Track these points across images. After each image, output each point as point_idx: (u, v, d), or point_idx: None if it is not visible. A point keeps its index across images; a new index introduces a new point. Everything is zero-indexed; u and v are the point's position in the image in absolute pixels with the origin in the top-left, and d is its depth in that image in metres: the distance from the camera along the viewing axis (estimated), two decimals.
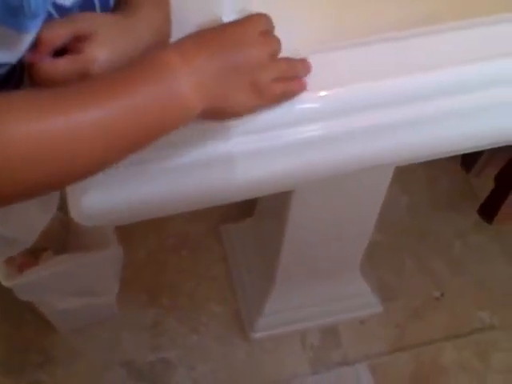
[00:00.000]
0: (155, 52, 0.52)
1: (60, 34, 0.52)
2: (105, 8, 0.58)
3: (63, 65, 0.52)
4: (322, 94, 0.61)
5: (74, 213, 0.54)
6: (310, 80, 0.60)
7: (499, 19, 0.66)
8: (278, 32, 0.58)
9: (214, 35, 0.55)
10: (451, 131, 0.66)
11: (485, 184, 1.47)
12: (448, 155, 0.72)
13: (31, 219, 0.80)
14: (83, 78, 0.52)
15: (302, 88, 0.60)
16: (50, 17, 0.53)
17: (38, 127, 0.45)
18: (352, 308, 1.37)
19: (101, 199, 0.54)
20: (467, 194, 1.55)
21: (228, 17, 0.59)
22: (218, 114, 0.55)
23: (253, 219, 1.43)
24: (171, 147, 0.58)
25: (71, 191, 0.54)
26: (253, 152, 0.61)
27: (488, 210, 1.29)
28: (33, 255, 1.22)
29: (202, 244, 1.45)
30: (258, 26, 0.57)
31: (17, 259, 1.17)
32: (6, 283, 1.12)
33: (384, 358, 1.33)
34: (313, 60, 0.60)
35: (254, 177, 0.62)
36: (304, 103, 0.60)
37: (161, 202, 0.60)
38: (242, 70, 0.54)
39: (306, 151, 0.63)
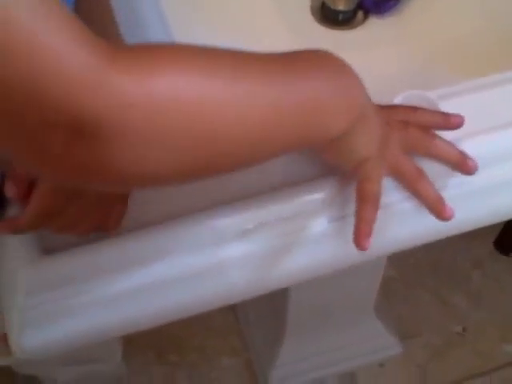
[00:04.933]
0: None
1: None
2: None
3: (45, 186, 0.46)
4: None
5: (17, 353, 0.49)
6: None
7: None
8: None
9: None
10: None
11: None
12: None
13: None
14: None
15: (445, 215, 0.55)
16: None
17: (211, 87, 0.37)
18: (369, 351, 1.31)
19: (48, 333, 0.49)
20: None
21: None
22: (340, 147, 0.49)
23: None
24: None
25: (11, 330, 0.49)
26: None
27: (504, 243, 1.22)
28: None
29: None
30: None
31: None
32: (3, 362, 1.08)
33: None
34: None
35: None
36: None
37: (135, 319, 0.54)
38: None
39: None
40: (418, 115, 0.55)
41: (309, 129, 0.44)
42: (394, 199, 0.56)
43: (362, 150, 0.50)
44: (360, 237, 0.51)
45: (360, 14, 0.79)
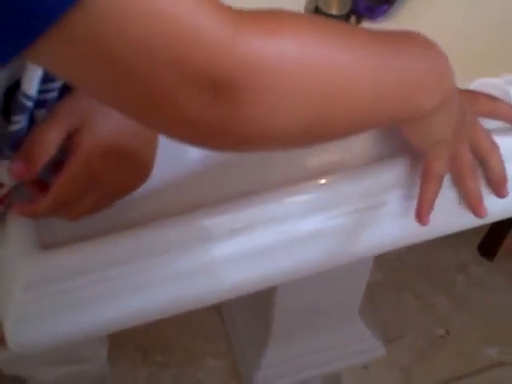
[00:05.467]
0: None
1: (52, 142, 0.47)
2: None
3: (68, 174, 0.47)
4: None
5: (13, 347, 0.49)
6: None
7: None
8: None
9: None
10: None
11: None
12: None
13: None
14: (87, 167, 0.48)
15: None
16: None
17: (330, 50, 0.39)
18: (354, 353, 1.31)
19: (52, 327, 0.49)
20: None
21: None
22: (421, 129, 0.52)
23: None
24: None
25: (8, 324, 0.49)
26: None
27: (488, 248, 1.23)
28: None
29: None
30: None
31: None
32: None
33: None
34: None
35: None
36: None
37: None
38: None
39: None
40: (498, 106, 0.57)
41: (405, 103, 0.46)
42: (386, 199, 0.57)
43: (440, 130, 0.52)
44: (422, 215, 0.56)
45: (353, 19, 0.79)
